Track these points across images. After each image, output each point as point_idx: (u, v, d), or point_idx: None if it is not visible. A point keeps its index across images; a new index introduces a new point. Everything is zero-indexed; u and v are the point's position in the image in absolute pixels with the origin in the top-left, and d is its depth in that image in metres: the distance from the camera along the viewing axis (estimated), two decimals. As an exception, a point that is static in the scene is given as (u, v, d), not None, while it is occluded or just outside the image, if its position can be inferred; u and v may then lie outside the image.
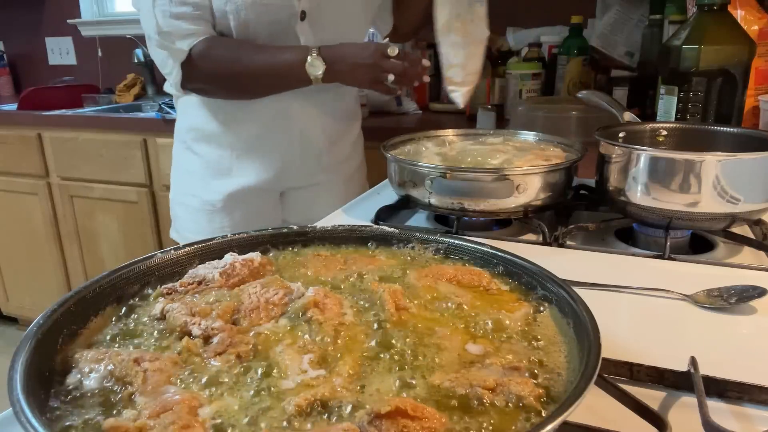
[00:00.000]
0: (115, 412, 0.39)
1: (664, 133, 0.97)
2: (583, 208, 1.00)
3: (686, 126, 1.01)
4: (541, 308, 0.53)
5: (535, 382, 0.42)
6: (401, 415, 0.37)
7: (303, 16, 1.13)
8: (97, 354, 0.45)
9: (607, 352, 0.42)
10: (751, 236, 0.85)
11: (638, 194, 0.82)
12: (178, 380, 0.43)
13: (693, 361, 0.51)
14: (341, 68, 1.10)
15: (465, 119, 1.95)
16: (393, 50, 1.07)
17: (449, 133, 1.12)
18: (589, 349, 0.41)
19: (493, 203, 0.87)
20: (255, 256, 0.61)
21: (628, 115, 0.99)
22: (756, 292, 0.66)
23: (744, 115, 1.23)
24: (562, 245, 0.85)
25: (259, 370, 0.44)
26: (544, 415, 0.38)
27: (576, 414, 0.35)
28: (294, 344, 0.47)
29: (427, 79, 1.12)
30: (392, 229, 0.67)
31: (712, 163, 0.76)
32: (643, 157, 0.81)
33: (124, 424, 0.37)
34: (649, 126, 0.99)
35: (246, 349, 0.46)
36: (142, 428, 0.37)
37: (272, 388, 0.42)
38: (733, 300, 0.66)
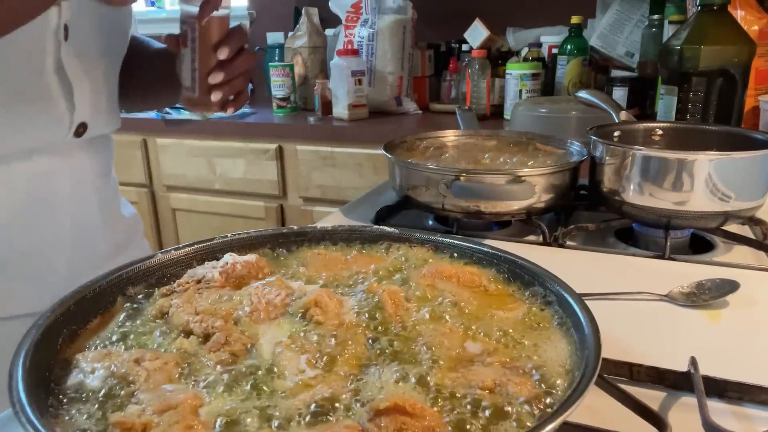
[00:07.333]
0: (115, 412, 0.39)
1: (659, 132, 0.98)
2: (583, 208, 1.00)
3: (680, 125, 1.01)
4: (541, 308, 0.53)
5: (534, 381, 0.42)
6: (400, 413, 0.37)
7: (66, 34, 0.68)
8: (97, 354, 0.45)
9: (607, 352, 0.42)
10: (751, 236, 0.85)
11: (631, 193, 0.83)
12: (179, 380, 0.43)
13: (693, 361, 0.51)
14: None
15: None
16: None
17: (449, 134, 1.12)
18: (589, 349, 0.41)
19: (493, 204, 0.87)
20: (255, 256, 0.61)
21: (624, 115, 1.00)
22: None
23: (744, 115, 1.23)
24: (562, 245, 0.85)
25: (259, 370, 0.44)
26: (544, 415, 0.38)
27: (576, 414, 0.35)
28: (293, 344, 0.47)
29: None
30: (392, 229, 0.67)
31: (703, 162, 0.77)
32: (636, 156, 0.82)
33: (130, 419, 0.37)
34: (644, 125, 0.99)
35: (246, 348, 0.46)
36: (147, 424, 0.37)
37: (271, 388, 0.42)
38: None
